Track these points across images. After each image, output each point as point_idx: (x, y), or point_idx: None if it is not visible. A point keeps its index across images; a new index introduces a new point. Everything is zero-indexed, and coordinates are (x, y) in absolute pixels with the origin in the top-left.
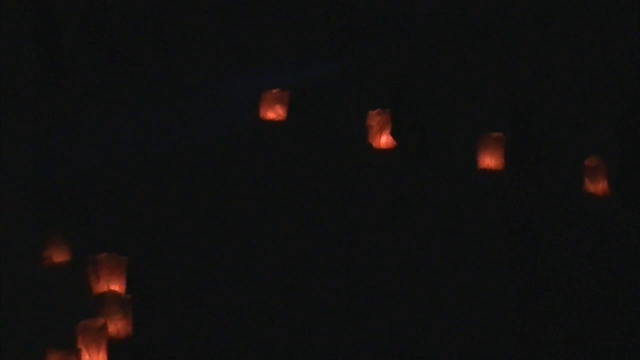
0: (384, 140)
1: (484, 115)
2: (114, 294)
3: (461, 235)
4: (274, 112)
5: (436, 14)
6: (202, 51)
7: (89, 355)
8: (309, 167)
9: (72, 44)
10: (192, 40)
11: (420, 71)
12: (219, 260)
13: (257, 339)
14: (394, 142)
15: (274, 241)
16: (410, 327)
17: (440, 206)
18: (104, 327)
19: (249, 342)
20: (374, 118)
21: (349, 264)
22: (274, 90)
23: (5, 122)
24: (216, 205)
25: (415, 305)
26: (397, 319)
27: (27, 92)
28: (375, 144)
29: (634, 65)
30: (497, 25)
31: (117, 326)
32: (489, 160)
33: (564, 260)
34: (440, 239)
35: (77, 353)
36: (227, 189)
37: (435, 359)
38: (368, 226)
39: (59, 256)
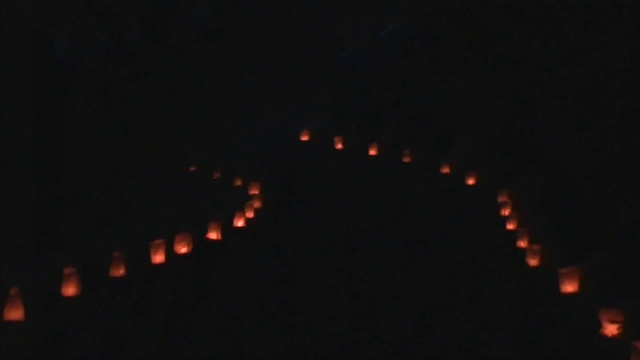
0: (339, 146)
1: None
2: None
3: (460, 233)
4: (306, 137)
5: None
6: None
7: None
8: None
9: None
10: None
11: (421, 72)
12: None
13: (260, 339)
14: (346, 148)
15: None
16: (410, 328)
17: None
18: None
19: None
20: (336, 139)
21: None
22: (306, 129)
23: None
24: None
25: (414, 306)
26: (397, 319)
27: (27, 92)
28: (336, 147)
29: (634, 65)
30: (503, 27)
31: (254, 206)
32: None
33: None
34: (442, 236)
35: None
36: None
37: (435, 358)
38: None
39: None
